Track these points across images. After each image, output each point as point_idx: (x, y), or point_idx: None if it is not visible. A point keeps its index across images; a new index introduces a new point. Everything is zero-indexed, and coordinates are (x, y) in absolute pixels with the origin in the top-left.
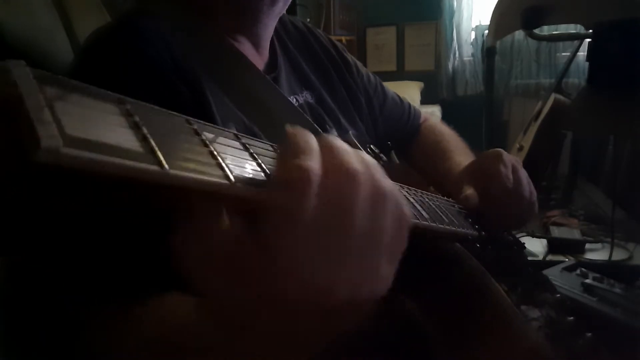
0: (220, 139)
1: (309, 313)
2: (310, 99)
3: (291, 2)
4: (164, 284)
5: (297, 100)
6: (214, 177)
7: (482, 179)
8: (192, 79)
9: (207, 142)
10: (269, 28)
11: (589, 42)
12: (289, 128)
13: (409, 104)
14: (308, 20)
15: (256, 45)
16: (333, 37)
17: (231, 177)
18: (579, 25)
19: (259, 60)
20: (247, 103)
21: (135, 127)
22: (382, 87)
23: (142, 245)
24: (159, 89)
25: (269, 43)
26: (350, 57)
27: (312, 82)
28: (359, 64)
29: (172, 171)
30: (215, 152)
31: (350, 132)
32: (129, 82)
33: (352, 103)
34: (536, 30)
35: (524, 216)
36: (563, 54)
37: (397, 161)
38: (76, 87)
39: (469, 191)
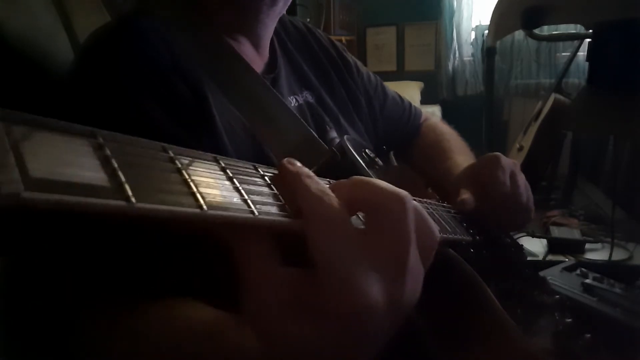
0: (197, 165)
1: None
2: (310, 99)
3: (291, 2)
4: (164, 284)
5: (296, 100)
6: (185, 207)
7: (480, 183)
8: (192, 79)
9: (182, 169)
10: (269, 28)
11: (589, 42)
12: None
13: (410, 104)
14: (308, 20)
15: (256, 45)
16: (333, 37)
17: (203, 205)
18: (579, 25)
19: (259, 60)
20: (245, 104)
21: (105, 161)
22: (383, 87)
23: (141, 246)
24: (160, 89)
25: (269, 43)
26: (350, 57)
27: (311, 82)
28: (359, 63)
29: (139, 205)
30: (189, 180)
31: (349, 132)
32: (129, 82)
33: (352, 103)
34: (536, 30)
35: (521, 221)
36: (563, 54)
37: (395, 163)
38: (45, 124)
39: (465, 195)
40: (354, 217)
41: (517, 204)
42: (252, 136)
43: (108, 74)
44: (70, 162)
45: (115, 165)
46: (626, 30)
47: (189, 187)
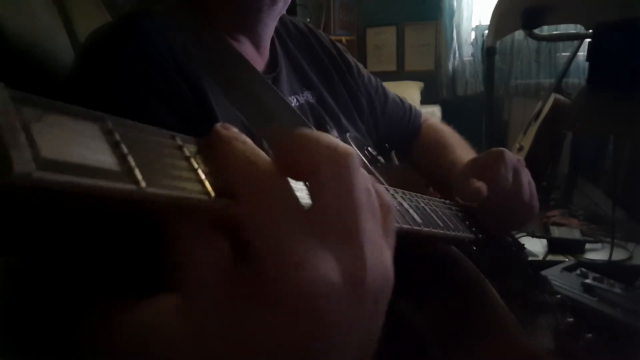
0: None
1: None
2: (311, 99)
3: (291, 2)
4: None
5: (297, 100)
6: (193, 193)
7: (482, 178)
8: (193, 78)
9: (190, 157)
10: (269, 28)
11: (589, 42)
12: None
13: (410, 105)
14: (308, 20)
15: (256, 44)
16: (333, 37)
17: (211, 192)
18: (579, 25)
19: (260, 60)
20: (245, 104)
21: (115, 146)
22: (383, 89)
23: (140, 244)
24: (160, 87)
25: (269, 43)
26: (351, 58)
27: (312, 82)
28: (360, 65)
29: (149, 189)
30: (197, 168)
31: (350, 132)
32: (130, 80)
33: (353, 103)
34: (536, 30)
35: (524, 218)
36: (563, 54)
37: (397, 162)
38: (56, 107)
39: (478, 183)
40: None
41: (519, 201)
42: (252, 135)
43: (109, 72)
44: (81, 145)
45: (125, 150)
46: (626, 30)
47: (197, 174)
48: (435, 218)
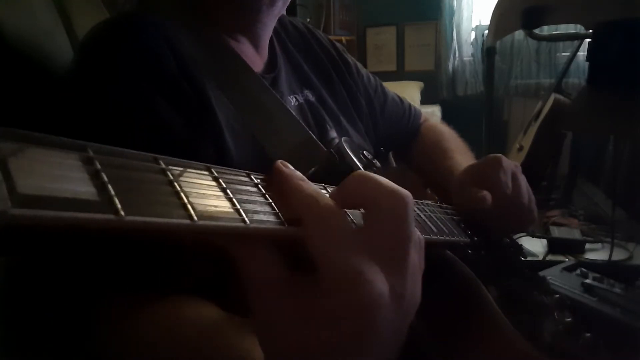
0: (188, 175)
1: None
2: (310, 98)
3: (291, 2)
4: (171, 283)
5: (297, 99)
6: (175, 218)
7: (481, 185)
8: (193, 76)
9: (173, 181)
10: (268, 28)
11: (589, 42)
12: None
13: (410, 104)
14: (308, 20)
15: (255, 44)
16: (333, 37)
17: (194, 215)
18: (579, 25)
19: (259, 60)
20: (244, 104)
21: (95, 175)
22: (383, 88)
23: (147, 245)
24: (162, 85)
25: (268, 43)
26: (350, 58)
27: (312, 81)
28: (359, 64)
29: (128, 218)
30: (180, 191)
31: (349, 132)
32: (130, 79)
33: (352, 103)
34: (536, 30)
35: (523, 223)
36: (563, 54)
37: (394, 164)
38: (35, 139)
39: (483, 192)
40: (356, 213)
41: (519, 205)
42: (252, 134)
43: (108, 70)
44: (60, 177)
45: (105, 178)
46: (626, 30)
47: (180, 198)
48: (430, 224)
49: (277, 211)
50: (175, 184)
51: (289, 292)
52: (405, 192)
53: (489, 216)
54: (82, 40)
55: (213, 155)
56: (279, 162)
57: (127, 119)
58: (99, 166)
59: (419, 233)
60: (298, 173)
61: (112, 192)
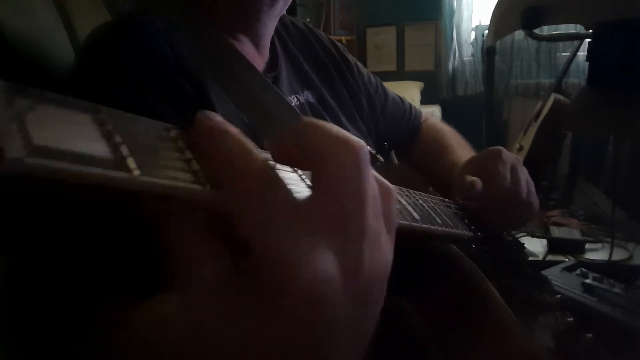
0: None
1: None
2: (311, 98)
3: (291, 2)
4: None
5: (298, 99)
6: (187, 183)
7: (481, 177)
8: (193, 76)
9: (184, 149)
10: (269, 28)
11: (589, 42)
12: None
13: (410, 104)
14: (308, 20)
15: (256, 44)
16: (333, 37)
17: (204, 183)
18: (579, 25)
19: (260, 59)
20: (246, 102)
21: (108, 135)
22: (383, 88)
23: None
24: (163, 87)
25: (269, 42)
26: (351, 58)
27: (313, 81)
28: (360, 64)
29: (142, 177)
30: (191, 159)
31: (350, 131)
32: (132, 81)
33: (353, 103)
34: (536, 30)
35: (523, 216)
36: (563, 54)
37: (396, 162)
38: (49, 98)
39: (472, 177)
40: (297, 177)
41: (517, 198)
42: (253, 133)
43: (110, 71)
44: (74, 133)
45: (119, 139)
46: (626, 30)
47: (191, 166)
48: (434, 215)
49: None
50: (187, 151)
51: (223, 277)
52: (359, 142)
53: (487, 209)
54: (83, 42)
55: None
56: (201, 114)
57: None
58: (112, 127)
59: (375, 190)
60: (228, 126)
61: (126, 152)
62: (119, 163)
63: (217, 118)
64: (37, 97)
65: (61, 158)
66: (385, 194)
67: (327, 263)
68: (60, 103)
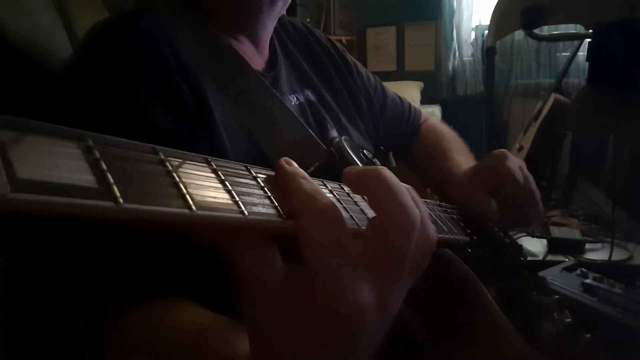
0: (187, 166)
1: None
2: (311, 98)
3: (291, 2)
4: (161, 285)
5: (297, 98)
6: (174, 208)
7: (493, 181)
8: (191, 76)
9: (172, 171)
10: (268, 28)
11: (589, 42)
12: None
13: (409, 104)
14: (308, 20)
15: (256, 44)
16: (333, 37)
17: (192, 205)
18: (579, 25)
19: (259, 59)
20: (243, 102)
21: (94, 164)
22: (383, 88)
23: (138, 246)
24: (160, 86)
25: (268, 42)
26: (350, 57)
27: (312, 81)
28: (359, 64)
29: (127, 205)
30: (178, 182)
31: (350, 131)
32: (129, 80)
33: (353, 102)
34: (536, 30)
35: (532, 216)
36: (563, 54)
37: (394, 164)
38: (34, 128)
39: (492, 202)
40: (351, 221)
41: (532, 194)
42: (250, 134)
43: (107, 70)
44: (59, 164)
45: (104, 167)
46: (626, 30)
47: (179, 188)
48: (441, 224)
49: (276, 204)
50: (174, 174)
51: (281, 287)
52: (416, 213)
53: (503, 210)
54: (81, 39)
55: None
56: (282, 160)
57: (125, 118)
58: (97, 155)
59: (432, 237)
60: (301, 171)
61: (111, 180)
62: (105, 192)
63: (294, 164)
64: (22, 128)
65: (46, 191)
66: (425, 253)
67: (368, 293)
68: (46, 132)
